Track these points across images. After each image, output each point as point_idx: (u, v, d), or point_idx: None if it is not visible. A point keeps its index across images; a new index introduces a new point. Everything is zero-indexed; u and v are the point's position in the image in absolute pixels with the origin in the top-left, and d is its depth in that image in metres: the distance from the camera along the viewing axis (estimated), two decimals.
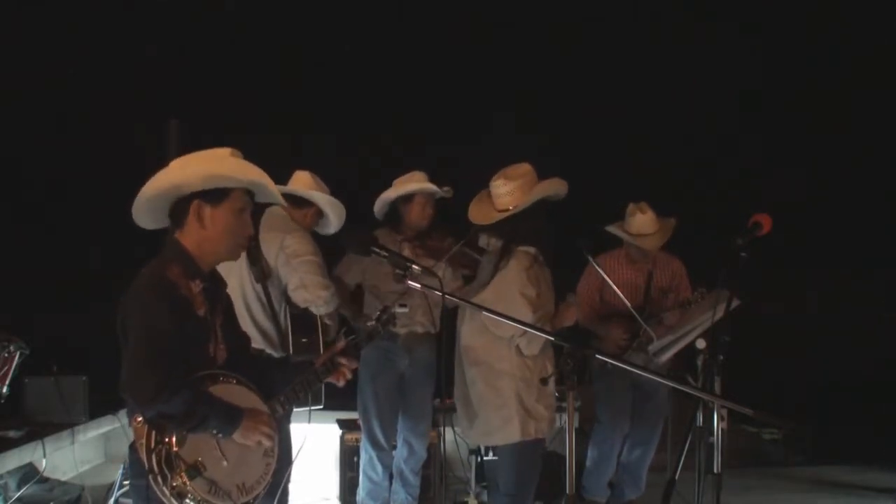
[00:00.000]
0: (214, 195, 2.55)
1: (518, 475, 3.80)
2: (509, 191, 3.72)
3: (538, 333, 3.44)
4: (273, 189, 2.67)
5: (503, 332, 3.67)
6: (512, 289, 3.67)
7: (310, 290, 3.91)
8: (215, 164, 2.57)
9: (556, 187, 3.75)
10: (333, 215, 4.21)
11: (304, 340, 3.99)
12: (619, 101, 7.07)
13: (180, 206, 2.57)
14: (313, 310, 3.99)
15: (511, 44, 6.94)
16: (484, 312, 3.63)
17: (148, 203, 2.59)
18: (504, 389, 3.73)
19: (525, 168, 3.79)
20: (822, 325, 7.13)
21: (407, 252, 4.53)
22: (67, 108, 6.17)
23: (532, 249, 3.75)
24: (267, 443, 2.58)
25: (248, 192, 2.63)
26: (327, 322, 4.15)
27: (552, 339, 3.08)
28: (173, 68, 6.29)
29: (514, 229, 3.75)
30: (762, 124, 7.48)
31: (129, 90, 6.20)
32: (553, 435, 5.05)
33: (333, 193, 4.21)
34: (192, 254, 2.57)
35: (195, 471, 2.40)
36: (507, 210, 3.72)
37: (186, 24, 6.45)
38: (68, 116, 6.22)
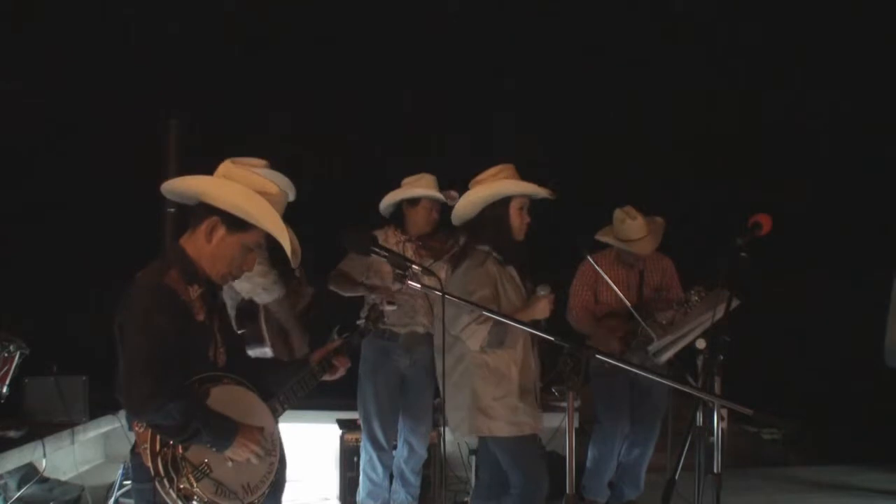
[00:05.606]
0: (235, 223, 2.58)
1: (482, 465, 4.06)
2: (466, 198, 3.81)
3: (488, 326, 3.56)
4: (287, 247, 2.66)
5: (455, 329, 3.67)
6: (458, 287, 3.67)
7: (250, 279, 3.89)
8: (249, 200, 2.57)
9: (495, 189, 3.74)
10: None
11: (241, 332, 4.00)
12: (618, 100, 7.07)
13: (203, 211, 2.60)
14: (257, 299, 4.01)
15: (509, 43, 6.94)
16: (449, 307, 3.66)
17: (174, 193, 2.65)
18: (461, 385, 3.76)
19: (488, 172, 3.81)
20: (821, 325, 7.13)
21: (409, 252, 4.54)
22: (67, 108, 6.17)
23: (486, 248, 3.76)
24: (255, 461, 2.58)
25: (268, 235, 2.64)
26: (296, 340, 4.18)
27: (552, 338, 3.07)
28: (173, 68, 6.29)
29: (472, 231, 3.83)
30: (762, 124, 7.49)
31: (129, 90, 6.20)
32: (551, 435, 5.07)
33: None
34: (193, 259, 2.59)
35: (201, 472, 2.41)
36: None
37: (187, 24, 6.44)
38: (68, 116, 6.22)
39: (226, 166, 2.68)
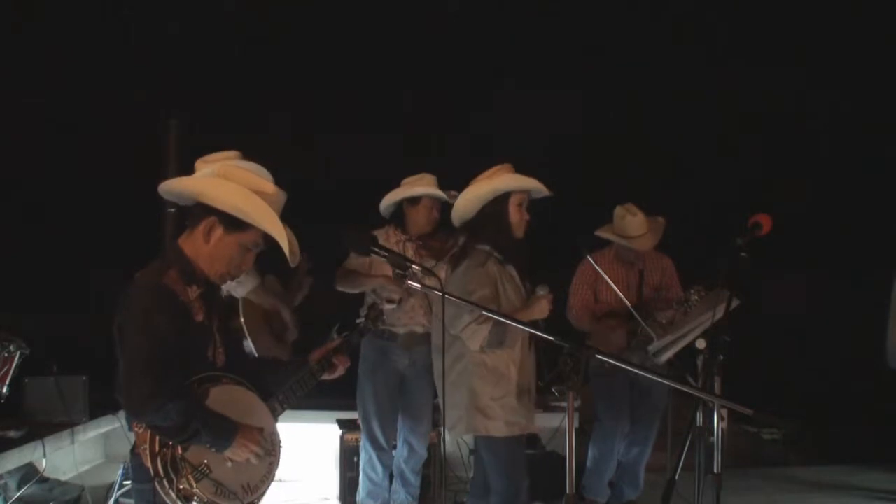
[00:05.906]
0: (232, 222, 2.57)
1: (478, 464, 4.04)
2: (464, 197, 3.82)
3: (485, 327, 3.57)
4: (286, 247, 2.65)
5: (455, 328, 3.68)
6: (458, 286, 3.68)
7: None
8: (247, 200, 2.56)
9: (494, 185, 3.75)
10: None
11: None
12: (618, 100, 7.08)
13: (200, 211, 2.60)
14: (234, 293, 4.01)
15: (509, 43, 6.94)
16: (449, 307, 3.67)
17: (171, 194, 2.66)
18: (459, 384, 3.77)
19: (486, 173, 3.82)
20: (821, 325, 7.13)
21: (410, 252, 4.54)
22: (67, 108, 6.17)
23: (486, 247, 3.76)
24: (254, 461, 2.59)
25: (266, 235, 2.63)
26: (291, 329, 4.17)
27: (552, 338, 3.07)
28: (173, 68, 6.29)
29: (472, 229, 3.83)
30: (762, 125, 7.50)
31: (129, 90, 6.20)
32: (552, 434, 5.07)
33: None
34: (191, 259, 2.59)
35: (201, 473, 2.41)
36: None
37: (187, 24, 6.45)
38: (68, 116, 6.22)
39: (223, 167, 2.67)
